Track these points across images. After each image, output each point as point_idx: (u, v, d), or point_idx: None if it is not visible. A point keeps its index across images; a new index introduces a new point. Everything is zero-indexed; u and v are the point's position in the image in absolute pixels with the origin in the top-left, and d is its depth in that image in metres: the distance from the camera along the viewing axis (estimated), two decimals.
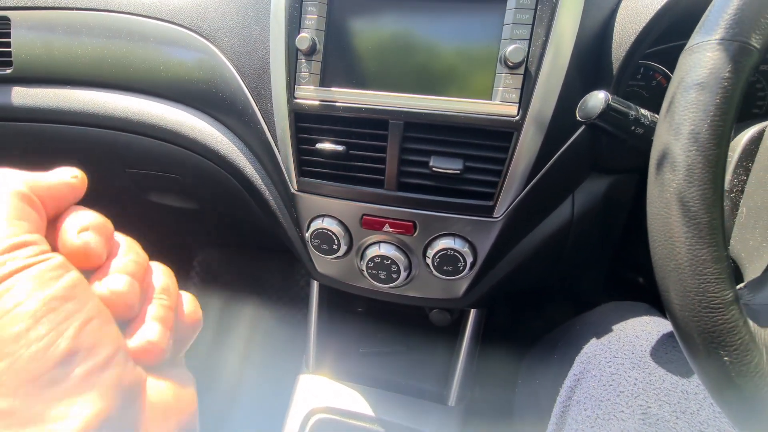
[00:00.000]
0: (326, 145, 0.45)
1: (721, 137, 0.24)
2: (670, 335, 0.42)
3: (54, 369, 0.15)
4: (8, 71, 0.61)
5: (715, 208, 0.24)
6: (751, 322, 0.25)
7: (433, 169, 0.43)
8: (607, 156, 0.46)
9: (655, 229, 0.26)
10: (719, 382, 0.25)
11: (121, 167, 0.65)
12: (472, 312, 0.60)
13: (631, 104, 0.35)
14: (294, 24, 0.44)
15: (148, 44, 0.57)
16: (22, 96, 0.61)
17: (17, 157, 0.69)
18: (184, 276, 1.13)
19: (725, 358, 0.24)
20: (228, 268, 1.14)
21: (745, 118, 0.38)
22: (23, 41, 0.60)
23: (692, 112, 0.24)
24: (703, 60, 0.24)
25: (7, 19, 0.60)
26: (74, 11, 0.59)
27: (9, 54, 0.61)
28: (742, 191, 0.35)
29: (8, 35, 0.60)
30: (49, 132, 0.63)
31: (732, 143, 0.37)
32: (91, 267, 0.19)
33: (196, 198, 0.69)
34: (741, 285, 0.30)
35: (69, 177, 0.20)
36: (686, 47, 0.26)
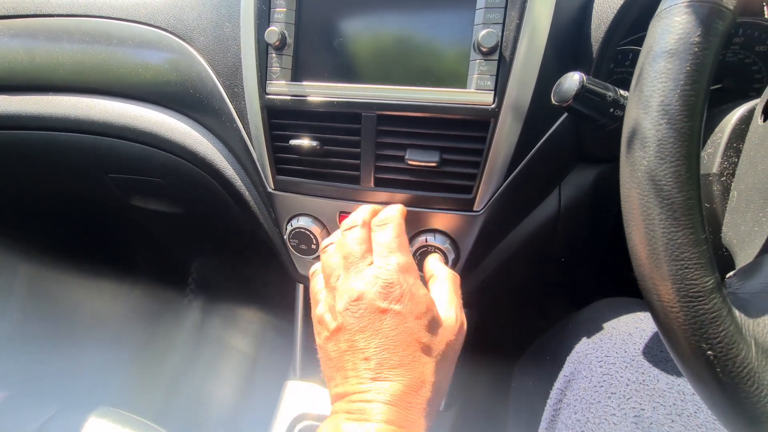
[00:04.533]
0: (300, 142, 0.44)
1: (693, 108, 0.21)
2: None
3: None
4: None
5: (690, 187, 0.22)
6: (737, 312, 0.22)
7: (409, 162, 0.42)
8: (591, 143, 0.44)
9: (628, 212, 0.24)
10: (704, 378, 0.22)
11: (103, 173, 0.64)
12: None
13: (609, 85, 0.33)
14: (263, 18, 0.43)
15: (127, 48, 0.57)
16: (5, 104, 0.62)
17: (1, 166, 0.69)
18: (181, 282, 1.13)
19: (708, 352, 0.21)
20: (225, 274, 1.13)
21: (740, 100, 0.36)
22: (6, 49, 0.61)
23: (661, 82, 0.22)
24: (671, 25, 0.22)
25: None
26: (55, 18, 0.59)
27: None
28: (733, 174, 0.33)
29: None
30: (32, 139, 0.63)
31: (721, 124, 0.34)
32: None
33: (179, 202, 0.69)
34: (731, 273, 0.28)
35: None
36: (655, 14, 0.24)
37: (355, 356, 0.31)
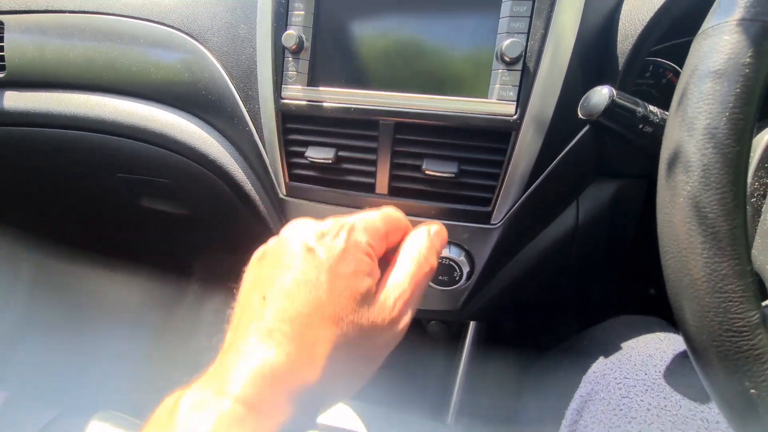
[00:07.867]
0: (315, 148, 0.43)
1: (742, 133, 0.20)
2: (687, 355, 0.38)
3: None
4: (1, 75, 0.61)
5: (737, 215, 0.20)
6: None
7: (427, 172, 0.41)
8: (613, 159, 0.43)
9: (667, 238, 0.23)
10: (744, 417, 0.21)
11: (113, 172, 0.63)
12: (472, 325, 0.57)
13: (639, 100, 0.32)
14: (281, 21, 0.42)
15: (139, 46, 0.56)
16: (14, 100, 0.61)
17: (10, 162, 0.68)
18: (185, 280, 1.11)
19: (751, 391, 0.20)
20: (229, 274, 1.12)
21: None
22: (16, 45, 0.60)
23: (708, 104, 0.21)
24: (719, 44, 0.21)
25: (0, 23, 0.60)
26: (66, 14, 0.58)
27: (2, 58, 0.60)
28: (764, 196, 0.32)
29: (1, 39, 0.60)
30: (41, 136, 0.62)
31: (753, 142, 0.33)
32: None
33: (188, 203, 0.68)
34: (766, 303, 0.26)
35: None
36: (700, 31, 0.23)
37: (255, 292, 0.24)
